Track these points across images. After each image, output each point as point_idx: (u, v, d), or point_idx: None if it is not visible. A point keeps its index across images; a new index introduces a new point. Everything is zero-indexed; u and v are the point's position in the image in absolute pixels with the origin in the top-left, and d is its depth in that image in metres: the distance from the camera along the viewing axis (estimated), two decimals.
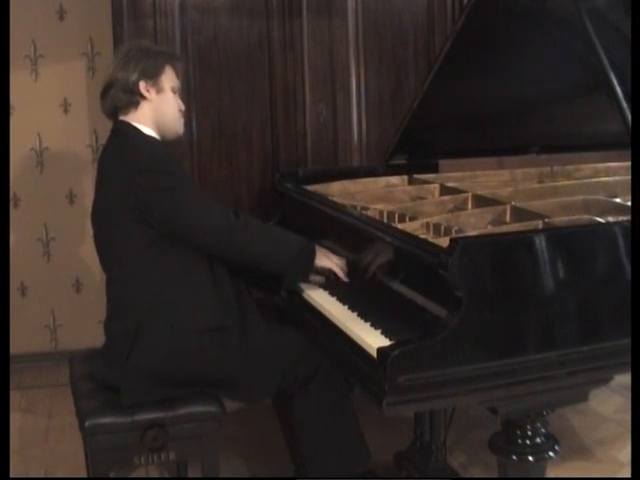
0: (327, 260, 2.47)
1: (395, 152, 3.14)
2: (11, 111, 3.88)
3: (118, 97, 2.45)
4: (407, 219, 2.58)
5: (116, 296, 2.47)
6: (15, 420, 3.45)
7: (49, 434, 3.44)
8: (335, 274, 2.47)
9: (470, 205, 2.74)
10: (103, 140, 4.02)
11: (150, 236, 2.36)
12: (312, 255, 2.46)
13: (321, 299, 2.41)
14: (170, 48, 2.62)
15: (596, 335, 2.02)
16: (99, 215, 2.50)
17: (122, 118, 2.48)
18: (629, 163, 2.14)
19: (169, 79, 2.50)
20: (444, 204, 2.76)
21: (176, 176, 2.38)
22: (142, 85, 2.45)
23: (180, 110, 2.54)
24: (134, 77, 2.44)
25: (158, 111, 2.48)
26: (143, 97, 2.46)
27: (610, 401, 3.56)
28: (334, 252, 2.59)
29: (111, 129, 2.54)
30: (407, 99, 3.61)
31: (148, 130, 2.47)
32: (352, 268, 2.47)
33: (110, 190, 2.40)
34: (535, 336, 1.96)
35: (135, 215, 2.34)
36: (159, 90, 2.48)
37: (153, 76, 2.46)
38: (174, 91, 2.52)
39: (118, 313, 2.45)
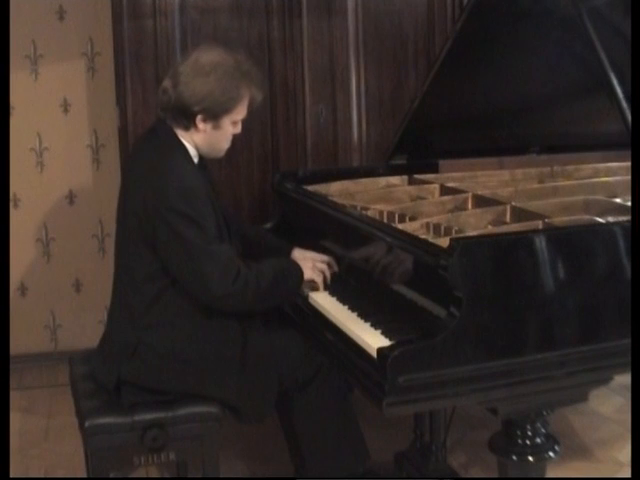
0: (310, 272, 2.46)
1: (395, 152, 3.14)
2: (11, 111, 3.87)
3: (171, 112, 2.35)
4: (407, 219, 2.58)
5: (120, 305, 2.45)
6: (15, 420, 3.44)
7: (49, 434, 3.43)
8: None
9: (470, 205, 2.74)
10: (103, 140, 4.10)
11: (162, 262, 2.34)
12: (300, 280, 2.44)
13: (321, 299, 2.41)
14: (257, 73, 2.39)
15: (596, 335, 2.02)
16: (120, 224, 2.44)
17: (170, 124, 2.38)
18: (629, 163, 2.14)
19: (234, 116, 2.37)
20: (444, 204, 2.75)
21: (194, 224, 2.26)
22: (199, 118, 2.33)
23: (233, 134, 2.43)
24: (196, 109, 2.31)
25: (206, 142, 2.39)
26: (196, 127, 2.35)
27: (610, 401, 3.56)
28: (334, 253, 2.59)
29: (154, 126, 2.44)
30: (407, 99, 3.60)
31: (190, 148, 2.39)
32: (352, 269, 2.48)
33: (131, 208, 2.34)
34: (535, 336, 1.96)
35: (151, 240, 2.31)
36: (216, 127, 2.36)
37: (216, 117, 2.34)
38: (234, 124, 2.40)
39: (119, 322, 2.44)
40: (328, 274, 2.50)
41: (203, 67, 2.32)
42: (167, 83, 2.37)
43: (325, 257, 2.54)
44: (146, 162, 2.38)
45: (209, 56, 2.37)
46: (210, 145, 2.42)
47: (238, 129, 2.45)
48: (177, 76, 2.34)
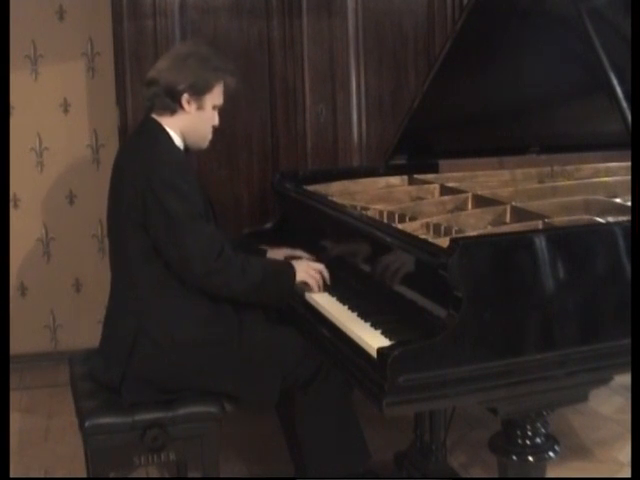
0: (305, 274, 2.48)
1: (395, 152, 3.14)
2: (11, 111, 3.87)
3: (159, 97, 2.46)
4: (407, 219, 2.58)
5: (118, 297, 2.48)
6: (15, 420, 3.44)
7: (49, 434, 3.44)
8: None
9: (470, 205, 2.74)
10: (103, 140, 4.10)
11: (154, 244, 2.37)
12: (292, 280, 2.47)
13: (321, 299, 2.41)
14: (229, 62, 2.56)
15: (596, 335, 2.02)
16: (111, 215, 2.51)
17: (155, 117, 2.48)
18: (629, 163, 2.14)
19: (214, 98, 2.50)
20: (444, 204, 2.75)
21: (183, 199, 2.34)
22: (185, 97, 2.45)
23: (213, 126, 2.54)
24: (181, 87, 2.43)
25: (191, 125, 2.49)
26: (182, 108, 2.46)
27: (610, 401, 3.56)
28: (334, 253, 2.60)
29: (140, 122, 2.56)
30: (407, 99, 3.60)
31: (175, 136, 2.48)
32: (352, 269, 2.48)
33: (124, 192, 2.40)
34: (535, 336, 1.96)
35: (142, 220, 2.35)
36: (200, 107, 2.47)
37: (199, 93, 2.46)
38: (214, 108, 2.52)
39: (118, 315, 2.46)
40: (322, 277, 2.50)
41: (181, 55, 2.51)
42: (151, 74, 2.50)
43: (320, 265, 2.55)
44: (135, 150, 2.47)
45: (184, 47, 2.64)
46: (195, 129, 2.50)
47: (217, 119, 2.54)
48: (159, 67, 2.50)
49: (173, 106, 2.46)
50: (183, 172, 2.40)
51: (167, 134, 2.47)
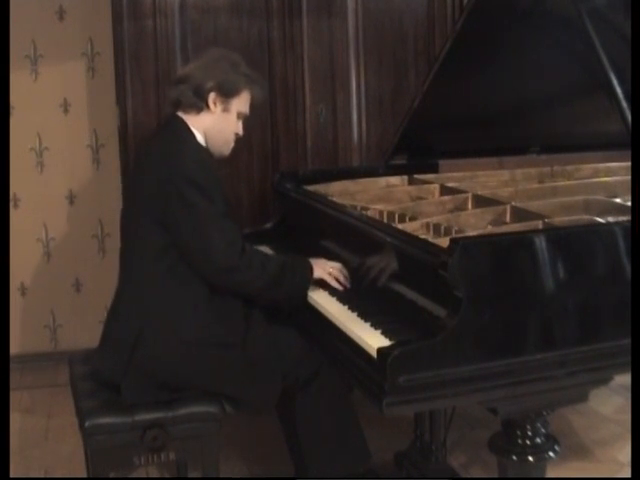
0: (322, 271, 2.48)
1: (395, 152, 3.14)
2: (11, 111, 3.87)
3: (186, 94, 2.46)
4: (407, 219, 2.58)
5: (124, 295, 2.47)
6: (15, 420, 3.45)
7: (49, 434, 3.44)
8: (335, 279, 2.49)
9: (470, 205, 2.74)
10: (103, 140, 4.11)
11: (168, 241, 2.37)
12: (310, 276, 2.47)
13: (321, 299, 2.41)
14: (259, 75, 2.59)
15: (596, 335, 2.02)
16: (127, 211, 2.51)
17: (181, 115, 2.49)
18: (629, 163, 2.14)
19: (240, 104, 2.51)
20: (444, 204, 2.75)
21: (207, 196, 2.34)
22: (212, 96, 2.46)
23: (236, 134, 2.54)
24: (209, 85, 2.44)
25: (215, 126, 2.49)
26: (208, 107, 2.47)
27: (610, 401, 3.56)
28: (334, 253, 2.60)
29: (165, 120, 2.56)
30: (407, 99, 3.60)
31: (199, 137, 2.48)
32: (352, 269, 2.48)
33: (144, 188, 2.40)
34: (535, 336, 1.96)
35: (159, 217, 2.35)
36: (225, 109, 2.49)
37: (227, 94, 2.47)
38: (239, 116, 2.52)
39: (123, 312, 2.45)
40: (342, 277, 2.49)
41: (213, 57, 2.53)
42: (181, 72, 2.53)
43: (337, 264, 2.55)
44: (161, 147, 2.45)
45: (216, 51, 2.59)
46: (218, 130, 2.50)
47: (241, 129, 2.55)
48: (189, 67, 2.53)
49: (199, 104, 2.46)
50: (207, 170, 2.40)
51: (191, 132, 2.47)
